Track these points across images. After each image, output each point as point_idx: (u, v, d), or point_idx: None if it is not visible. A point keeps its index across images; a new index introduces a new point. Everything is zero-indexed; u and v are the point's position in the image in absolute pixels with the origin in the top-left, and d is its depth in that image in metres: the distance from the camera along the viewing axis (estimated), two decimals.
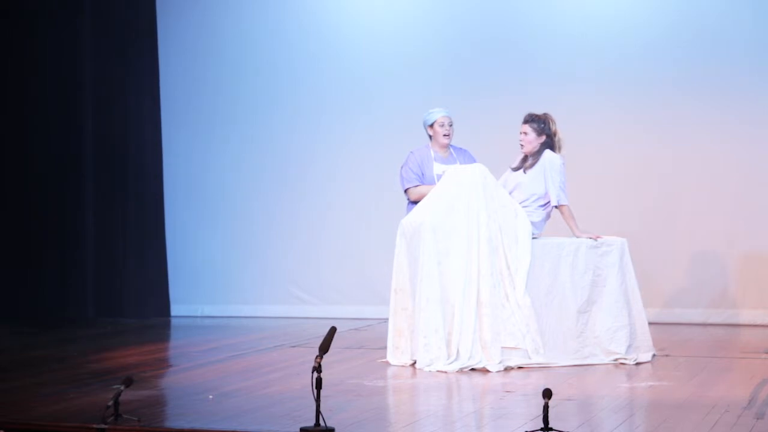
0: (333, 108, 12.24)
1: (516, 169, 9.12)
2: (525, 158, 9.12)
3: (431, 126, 9.39)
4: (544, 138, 9.03)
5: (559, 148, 9.05)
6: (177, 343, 10.90)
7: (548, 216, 9.08)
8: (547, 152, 8.99)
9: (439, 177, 9.18)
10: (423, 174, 9.30)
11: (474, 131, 10.94)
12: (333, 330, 6.37)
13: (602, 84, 11.61)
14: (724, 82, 11.37)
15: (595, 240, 8.88)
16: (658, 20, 11.55)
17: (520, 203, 8.90)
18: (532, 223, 8.84)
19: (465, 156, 9.45)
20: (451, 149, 9.45)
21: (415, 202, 9.16)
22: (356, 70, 12.20)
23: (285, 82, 12.36)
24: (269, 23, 12.39)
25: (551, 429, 5.96)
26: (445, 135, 9.33)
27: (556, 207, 8.98)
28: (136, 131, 12.20)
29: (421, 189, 9.21)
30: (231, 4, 12.48)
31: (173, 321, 12.08)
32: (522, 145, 9.08)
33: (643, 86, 11.53)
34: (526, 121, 9.08)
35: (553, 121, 9.08)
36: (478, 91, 11.77)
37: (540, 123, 9.05)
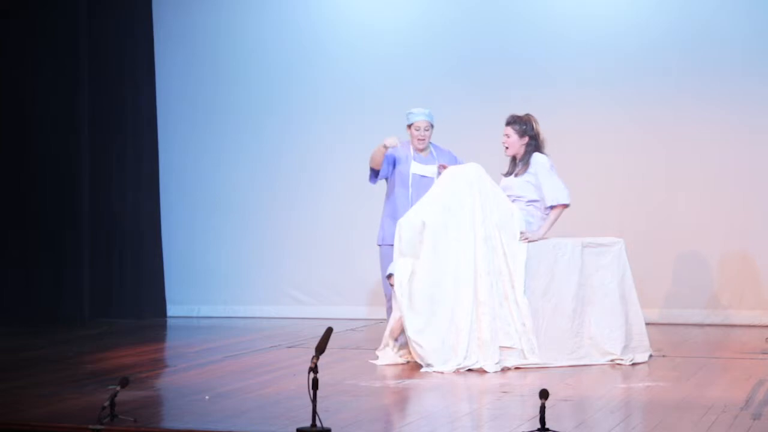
0: (328, 109, 12.23)
1: (507, 175, 9.09)
2: (514, 162, 9.08)
3: (409, 127, 9.41)
4: (527, 139, 8.97)
5: (543, 148, 9.01)
6: (173, 344, 10.89)
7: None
8: (536, 155, 8.95)
9: (415, 176, 9.24)
10: (393, 163, 9.31)
11: (473, 132, 10.92)
12: (329, 330, 6.36)
13: (602, 84, 11.61)
14: (724, 83, 11.36)
15: (525, 239, 8.72)
16: (658, 20, 11.55)
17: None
18: (530, 223, 8.82)
19: (447, 157, 9.42)
20: (432, 149, 9.44)
21: (376, 172, 9.29)
22: (350, 71, 12.19)
23: (281, 85, 12.35)
24: (266, 24, 12.38)
25: (548, 429, 5.96)
26: (419, 139, 9.34)
27: (551, 207, 8.92)
28: (133, 132, 12.20)
29: (374, 153, 9.28)
30: (228, 6, 12.46)
31: (170, 321, 12.08)
32: (506, 147, 9.03)
33: (642, 86, 11.52)
34: (508, 123, 9.03)
35: (536, 121, 9.00)
36: (477, 92, 11.75)
37: (522, 124, 8.98)
